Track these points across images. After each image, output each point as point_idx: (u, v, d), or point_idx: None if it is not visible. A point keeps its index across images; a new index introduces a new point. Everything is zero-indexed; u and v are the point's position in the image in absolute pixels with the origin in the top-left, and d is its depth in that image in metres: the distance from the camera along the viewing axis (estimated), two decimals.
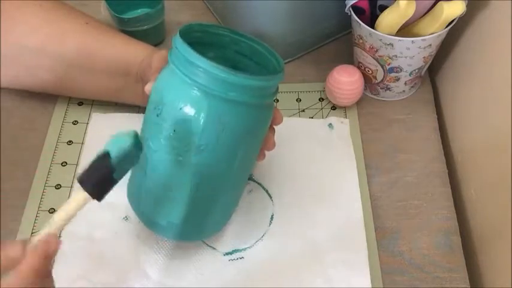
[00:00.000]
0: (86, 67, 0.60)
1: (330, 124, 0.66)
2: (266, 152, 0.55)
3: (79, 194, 0.43)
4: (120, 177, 0.43)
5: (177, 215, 0.51)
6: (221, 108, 0.46)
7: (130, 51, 0.60)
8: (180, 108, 0.46)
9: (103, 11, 0.73)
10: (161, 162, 0.49)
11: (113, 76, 0.60)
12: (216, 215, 0.53)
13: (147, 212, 0.53)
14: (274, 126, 0.54)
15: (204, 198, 0.51)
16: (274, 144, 0.54)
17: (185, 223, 0.51)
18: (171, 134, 0.47)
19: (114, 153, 0.42)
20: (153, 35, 0.73)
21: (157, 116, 0.48)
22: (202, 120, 0.46)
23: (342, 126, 0.66)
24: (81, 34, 0.61)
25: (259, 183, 0.62)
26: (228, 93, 0.46)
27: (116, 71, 0.60)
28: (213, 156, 0.48)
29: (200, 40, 0.54)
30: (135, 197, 0.53)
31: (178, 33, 0.48)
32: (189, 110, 0.46)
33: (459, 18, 0.59)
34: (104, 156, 0.42)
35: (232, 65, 0.56)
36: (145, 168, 0.50)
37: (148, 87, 0.51)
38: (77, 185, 0.43)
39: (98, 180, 0.42)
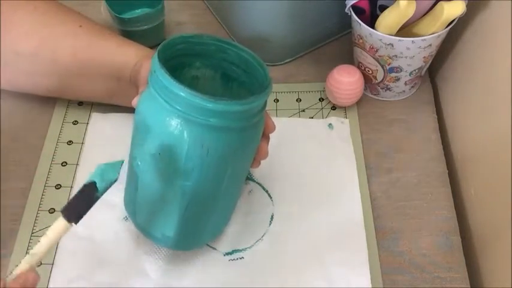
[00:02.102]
0: (80, 72, 0.60)
1: (330, 124, 0.66)
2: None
3: (60, 223, 0.43)
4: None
5: (170, 228, 0.51)
6: (203, 134, 0.45)
7: (123, 55, 0.59)
8: (163, 134, 0.45)
9: (103, 11, 0.73)
10: (150, 181, 0.49)
11: (107, 80, 0.60)
12: (211, 226, 0.54)
13: (142, 223, 0.53)
14: (269, 134, 0.54)
15: (195, 215, 0.51)
16: (267, 154, 0.53)
17: (179, 236, 0.52)
18: (157, 157, 0.47)
19: (101, 187, 0.42)
20: (153, 35, 0.73)
21: (142, 138, 0.47)
22: (185, 147, 0.45)
23: (342, 127, 0.66)
24: (73, 38, 0.60)
25: (259, 184, 0.62)
26: (209, 119, 0.44)
27: (109, 74, 0.59)
28: (200, 179, 0.47)
29: (185, 52, 0.52)
30: (130, 207, 0.54)
31: (156, 53, 0.47)
32: (171, 136, 0.45)
33: (459, 18, 0.59)
34: (91, 189, 0.42)
35: (222, 72, 0.55)
36: (136, 184, 0.50)
37: (134, 102, 0.50)
38: (58, 215, 0.43)
39: (84, 212, 0.43)
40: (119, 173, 0.43)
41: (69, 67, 0.60)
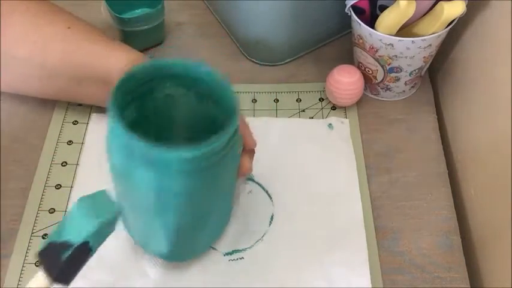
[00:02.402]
0: (70, 76, 0.59)
1: (330, 124, 0.66)
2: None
3: (41, 282, 0.39)
4: None
5: (163, 247, 0.51)
6: (165, 180, 0.43)
7: (112, 58, 0.57)
8: (129, 180, 0.44)
9: (103, 11, 0.73)
10: (135, 214, 0.49)
11: (97, 84, 0.59)
12: (204, 238, 0.54)
13: (137, 237, 0.54)
14: (250, 148, 0.51)
15: (185, 235, 0.51)
16: (250, 169, 0.51)
17: (173, 252, 0.52)
18: (130, 198, 0.47)
19: (95, 247, 0.40)
20: (153, 35, 0.73)
21: (113, 177, 0.47)
22: (151, 193, 0.44)
23: (342, 127, 0.66)
24: (62, 41, 0.59)
25: (259, 184, 0.62)
26: (167, 166, 0.42)
27: (99, 78, 0.58)
28: (176, 215, 0.47)
29: (151, 77, 0.48)
30: (125, 224, 0.53)
31: (112, 98, 0.43)
32: (136, 184, 0.44)
33: (459, 18, 0.59)
34: (84, 252, 0.39)
35: (194, 90, 0.50)
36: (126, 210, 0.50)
37: None
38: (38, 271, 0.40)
39: (76, 273, 0.40)
40: (113, 221, 0.41)
41: (59, 71, 0.59)
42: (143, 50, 0.73)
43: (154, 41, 0.74)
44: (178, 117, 0.52)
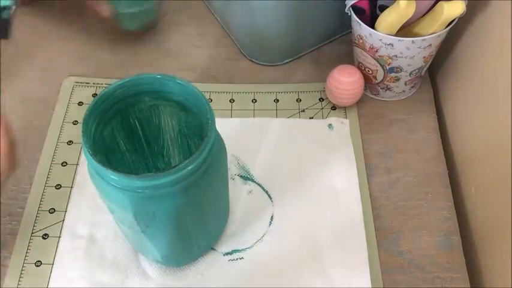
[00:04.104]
0: None
1: (330, 124, 0.66)
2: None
3: None
4: None
5: (157, 254, 0.52)
6: (144, 203, 0.44)
7: None
8: (110, 201, 0.45)
9: None
10: (125, 228, 0.50)
11: None
12: (199, 244, 0.54)
13: (132, 245, 0.56)
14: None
15: (177, 243, 0.51)
16: None
17: (168, 257, 0.53)
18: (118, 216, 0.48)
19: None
20: (144, 19, 0.73)
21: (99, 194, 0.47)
22: (130, 214, 0.45)
23: (342, 127, 0.66)
24: None
25: (258, 184, 0.62)
26: (144, 191, 0.42)
27: None
28: (160, 231, 0.48)
29: (128, 93, 0.48)
30: (122, 230, 0.54)
31: (84, 125, 0.43)
32: (117, 207, 0.45)
33: (459, 18, 0.59)
34: None
35: (174, 101, 0.49)
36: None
37: None
38: None
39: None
40: None
41: None
42: (137, 33, 0.75)
43: (146, 25, 0.74)
44: (167, 124, 0.53)
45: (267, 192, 0.61)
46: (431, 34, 0.59)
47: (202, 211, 0.49)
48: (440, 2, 0.57)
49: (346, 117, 0.67)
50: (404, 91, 0.68)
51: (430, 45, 0.60)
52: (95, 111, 0.45)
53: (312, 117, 0.68)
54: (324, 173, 0.62)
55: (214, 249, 0.57)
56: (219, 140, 0.48)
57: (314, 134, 0.66)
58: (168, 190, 0.43)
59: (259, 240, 0.58)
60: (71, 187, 0.62)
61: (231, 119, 0.67)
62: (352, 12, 0.62)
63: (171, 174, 0.41)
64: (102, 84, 0.70)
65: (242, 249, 0.57)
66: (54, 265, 0.56)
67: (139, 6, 0.70)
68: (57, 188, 0.62)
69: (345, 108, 0.68)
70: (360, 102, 0.68)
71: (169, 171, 0.41)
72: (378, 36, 0.60)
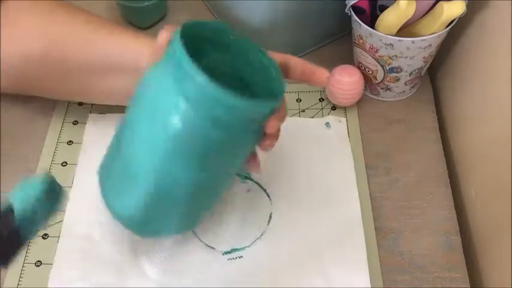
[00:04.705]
0: (95, 67, 0.57)
1: (327, 123, 0.66)
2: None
3: None
4: (30, 237, 0.36)
5: (134, 202, 0.46)
6: (204, 121, 0.42)
7: (138, 44, 0.55)
8: (160, 111, 0.43)
9: None
10: (129, 150, 0.46)
11: (126, 73, 0.56)
12: (177, 216, 0.49)
13: (108, 187, 0.49)
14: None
15: (161, 198, 0.46)
16: (270, 145, 0.49)
17: (142, 216, 0.47)
18: (144, 131, 0.45)
19: (18, 208, 0.35)
20: (153, 12, 0.73)
21: (139, 108, 0.45)
22: (176, 130, 0.42)
23: (340, 125, 0.66)
24: (83, 34, 0.57)
25: (257, 183, 0.62)
26: (214, 110, 0.42)
27: (127, 67, 0.56)
28: (172, 161, 0.44)
29: (207, 37, 0.48)
30: (103, 170, 0.50)
31: (180, 29, 0.43)
32: (166, 112, 0.43)
33: (459, 18, 0.59)
34: (6, 214, 0.34)
35: (235, 68, 0.51)
36: (119, 149, 0.47)
37: (160, 39, 0.47)
38: None
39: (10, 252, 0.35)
40: (43, 190, 0.37)
41: (81, 64, 0.57)
42: (146, 27, 0.76)
43: (155, 19, 0.75)
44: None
45: (265, 191, 0.61)
46: (431, 34, 0.59)
47: (223, 167, 0.48)
48: (440, 2, 0.57)
49: (345, 117, 0.67)
50: (404, 91, 0.68)
51: (430, 45, 0.60)
52: (188, 29, 0.44)
53: (312, 117, 0.68)
54: (322, 172, 0.62)
55: (213, 249, 0.57)
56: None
57: (312, 133, 0.66)
58: (241, 117, 0.43)
59: (258, 239, 0.58)
60: (71, 187, 0.62)
61: None
62: (352, 12, 0.62)
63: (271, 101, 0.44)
64: None
65: (241, 248, 0.57)
66: (53, 265, 0.56)
67: (148, 0, 0.71)
68: None
69: (345, 108, 0.68)
70: (360, 102, 0.68)
71: (261, 100, 0.44)
72: (378, 36, 0.60)
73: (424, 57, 0.62)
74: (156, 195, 0.46)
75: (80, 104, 0.69)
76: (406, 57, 0.61)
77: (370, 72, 0.66)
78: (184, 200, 0.47)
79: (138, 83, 0.47)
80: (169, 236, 0.55)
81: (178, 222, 0.50)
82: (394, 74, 0.65)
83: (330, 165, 0.63)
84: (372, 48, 0.62)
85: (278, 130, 0.49)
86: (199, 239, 0.58)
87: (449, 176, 0.63)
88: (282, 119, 0.49)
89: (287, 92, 0.70)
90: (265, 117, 0.46)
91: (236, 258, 0.57)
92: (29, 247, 0.57)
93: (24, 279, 0.55)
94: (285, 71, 0.51)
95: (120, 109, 0.66)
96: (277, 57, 0.50)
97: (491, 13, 0.58)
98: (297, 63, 0.52)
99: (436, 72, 0.72)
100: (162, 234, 0.53)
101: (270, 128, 0.47)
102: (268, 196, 0.61)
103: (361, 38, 0.62)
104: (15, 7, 0.58)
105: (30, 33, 0.57)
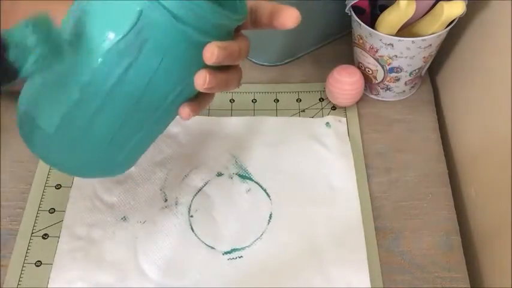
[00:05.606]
0: None
1: (327, 123, 0.66)
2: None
3: None
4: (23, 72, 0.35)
5: (55, 115, 0.42)
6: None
7: None
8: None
9: None
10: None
11: None
12: (95, 145, 0.43)
13: (27, 102, 0.45)
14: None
15: (82, 115, 0.42)
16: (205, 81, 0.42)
17: (57, 132, 0.43)
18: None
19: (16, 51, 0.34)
20: None
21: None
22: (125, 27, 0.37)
23: (339, 125, 0.66)
24: None
25: (257, 183, 0.62)
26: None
27: None
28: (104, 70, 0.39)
29: None
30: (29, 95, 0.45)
31: None
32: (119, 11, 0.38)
33: (459, 18, 0.59)
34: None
35: None
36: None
37: None
38: None
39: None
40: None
41: None
42: None
43: None
44: None
45: (265, 190, 0.61)
46: (431, 34, 0.59)
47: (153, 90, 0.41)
48: (440, 2, 0.57)
49: (345, 117, 0.67)
50: (404, 91, 0.68)
51: (430, 45, 0.60)
52: None
53: (312, 117, 0.68)
54: (322, 172, 0.62)
55: (213, 248, 0.57)
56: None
57: (312, 133, 0.66)
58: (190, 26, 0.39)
59: (258, 239, 0.58)
60: (71, 187, 0.62)
61: (228, 118, 0.67)
62: (352, 12, 0.62)
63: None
64: None
65: (241, 248, 0.57)
66: (53, 265, 0.56)
67: None
68: (57, 188, 0.62)
69: (345, 108, 0.68)
70: (360, 102, 0.68)
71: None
72: (378, 36, 0.60)
73: (424, 57, 0.62)
74: (78, 111, 0.41)
75: None
76: (406, 57, 0.61)
77: (370, 72, 0.66)
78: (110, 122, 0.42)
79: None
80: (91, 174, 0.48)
81: (97, 154, 0.44)
82: (394, 74, 0.65)
83: (329, 165, 0.63)
84: (372, 48, 0.62)
85: (221, 77, 0.45)
86: (199, 239, 0.58)
87: (449, 176, 0.63)
88: (228, 52, 0.43)
89: (287, 92, 0.70)
90: (215, 35, 0.41)
91: (236, 258, 0.57)
92: (29, 247, 0.57)
93: (24, 279, 0.55)
94: (255, 16, 0.48)
95: None
96: (249, 3, 0.47)
97: (491, 13, 0.58)
98: (265, 4, 0.48)
99: (436, 72, 0.72)
100: (91, 171, 0.46)
101: (209, 48, 0.41)
102: (268, 196, 0.61)
103: (361, 38, 0.62)
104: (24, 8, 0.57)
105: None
